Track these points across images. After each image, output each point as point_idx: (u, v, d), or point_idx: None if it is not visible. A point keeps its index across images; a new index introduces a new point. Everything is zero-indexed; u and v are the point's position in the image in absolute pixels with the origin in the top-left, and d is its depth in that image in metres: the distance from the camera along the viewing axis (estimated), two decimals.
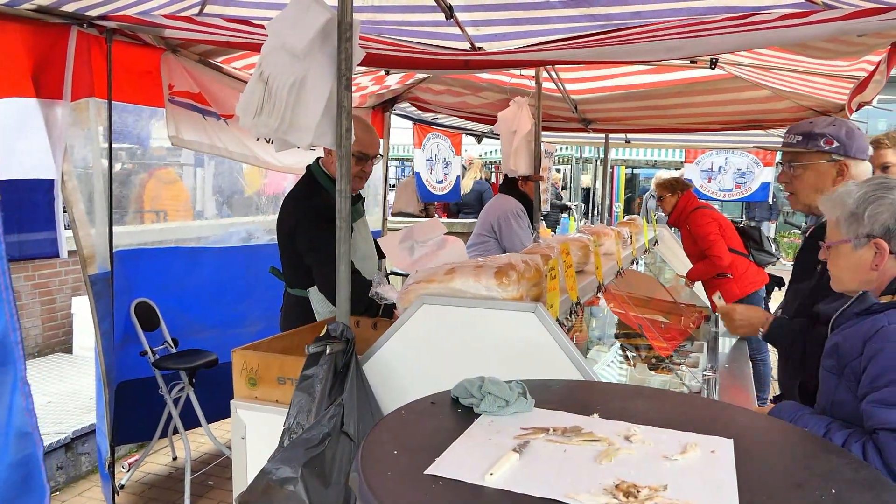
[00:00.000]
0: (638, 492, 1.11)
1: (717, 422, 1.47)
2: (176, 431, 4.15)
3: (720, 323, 4.78)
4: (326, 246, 2.57)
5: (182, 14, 3.38)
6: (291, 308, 3.15)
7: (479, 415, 1.49)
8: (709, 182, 9.26)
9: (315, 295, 3.02)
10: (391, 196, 8.98)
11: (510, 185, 4.86)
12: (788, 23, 2.56)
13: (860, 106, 3.50)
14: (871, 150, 2.51)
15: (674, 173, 5.69)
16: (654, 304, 3.62)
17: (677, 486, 1.15)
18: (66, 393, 5.00)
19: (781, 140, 2.58)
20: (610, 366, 3.55)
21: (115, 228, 3.55)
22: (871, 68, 3.44)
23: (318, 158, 3.14)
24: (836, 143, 2.31)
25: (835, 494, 1.13)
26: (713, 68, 4.13)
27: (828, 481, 1.18)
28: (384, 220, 6.20)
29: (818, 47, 3.06)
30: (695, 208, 5.26)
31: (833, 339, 1.73)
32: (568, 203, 12.25)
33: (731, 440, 1.34)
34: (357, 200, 3.22)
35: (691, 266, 5.36)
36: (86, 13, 3.14)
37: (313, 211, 2.92)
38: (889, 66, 2.95)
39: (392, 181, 17.85)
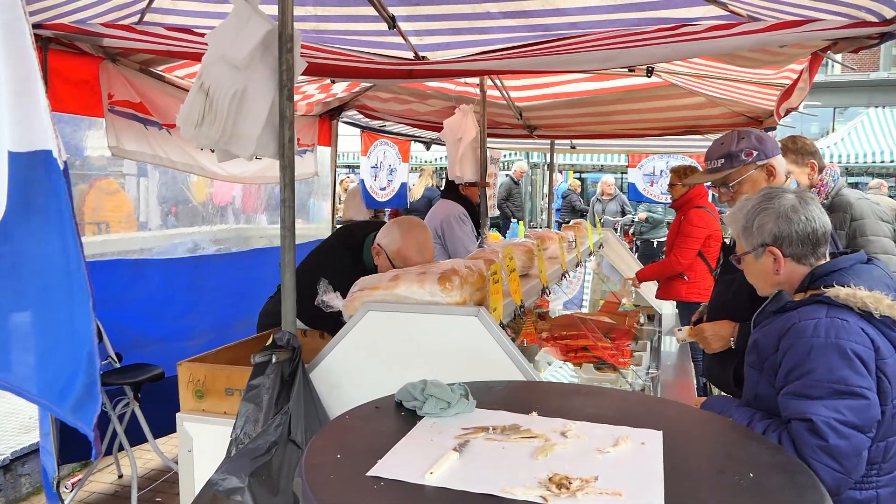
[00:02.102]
0: (570, 483, 1.16)
1: (648, 415, 1.54)
2: (121, 448, 4.06)
3: (664, 322, 4.94)
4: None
5: (121, 23, 3.33)
6: (276, 307, 3.07)
7: (422, 417, 1.53)
8: (651, 186, 9.51)
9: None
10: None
11: (452, 190, 4.87)
12: (715, 34, 2.69)
13: (788, 112, 3.68)
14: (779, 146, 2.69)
15: (690, 167, 5.53)
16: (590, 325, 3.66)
17: (608, 477, 1.21)
18: (4, 413, 4.83)
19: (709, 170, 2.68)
20: (562, 368, 3.63)
21: None
22: (795, 76, 3.62)
23: (374, 238, 2.95)
24: (755, 152, 2.47)
25: (752, 478, 1.21)
26: (650, 76, 4.28)
27: (747, 466, 1.26)
28: (333, 227, 6.19)
29: (745, 57, 3.21)
30: (698, 206, 5.19)
31: (754, 335, 1.84)
32: (586, 208, 12.13)
33: (661, 432, 1.42)
34: None
35: (639, 267, 5.47)
36: None
37: (347, 261, 2.92)
38: (811, 74, 3.12)
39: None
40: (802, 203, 1.82)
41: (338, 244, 3.09)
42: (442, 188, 5.61)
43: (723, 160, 2.52)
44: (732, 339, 2.49)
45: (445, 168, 6.01)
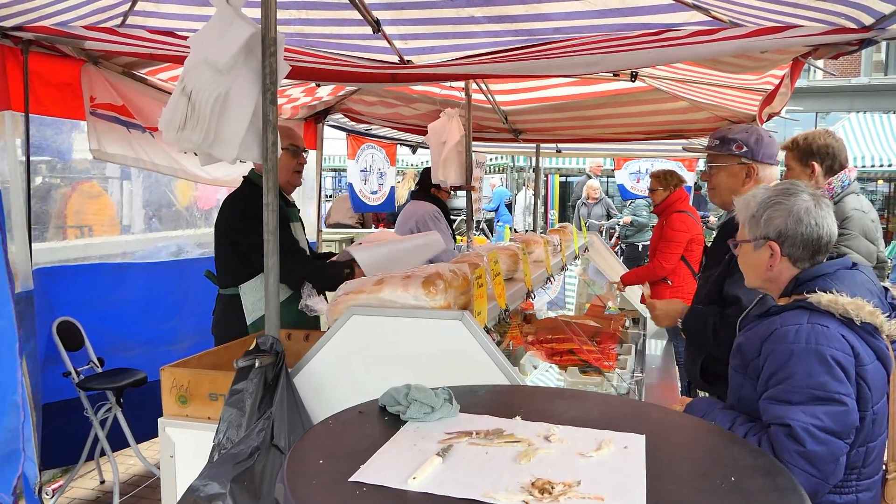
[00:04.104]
0: (553, 488, 1.17)
1: (631, 419, 1.54)
2: (103, 454, 4.02)
3: (648, 325, 4.97)
4: (282, 240, 2.58)
5: (103, 25, 3.31)
6: (223, 310, 3.17)
7: (405, 422, 1.52)
8: (637, 182, 9.58)
9: (246, 292, 3.04)
10: (326, 206, 8.91)
11: (424, 191, 4.81)
12: (698, 39, 2.71)
13: (770, 116, 3.72)
14: (780, 156, 2.69)
15: (674, 168, 5.54)
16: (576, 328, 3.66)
17: (590, 481, 1.21)
18: None
19: (703, 147, 2.77)
20: (548, 371, 3.63)
21: (35, 245, 3.42)
22: (776, 82, 3.65)
23: (252, 169, 3.19)
24: (745, 149, 2.50)
25: (734, 481, 1.22)
26: (634, 81, 4.30)
27: (729, 469, 1.27)
28: (318, 230, 6.17)
29: (727, 62, 3.24)
30: (680, 210, 5.20)
31: (738, 339, 1.85)
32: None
33: (644, 436, 1.42)
34: (290, 204, 3.29)
35: (624, 271, 5.49)
36: (0, 24, 3.04)
37: (255, 211, 2.92)
38: (792, 79, 3.15)
39: (328, 191, 17.75)
40: (816, 206, 1.79)
41: (242, 199, 3.14)
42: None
43: (718, 141, 2.58)
44: (680, 318, 2.56)
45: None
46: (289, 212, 3.17)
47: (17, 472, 1.79)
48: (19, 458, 1.80)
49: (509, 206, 14.67)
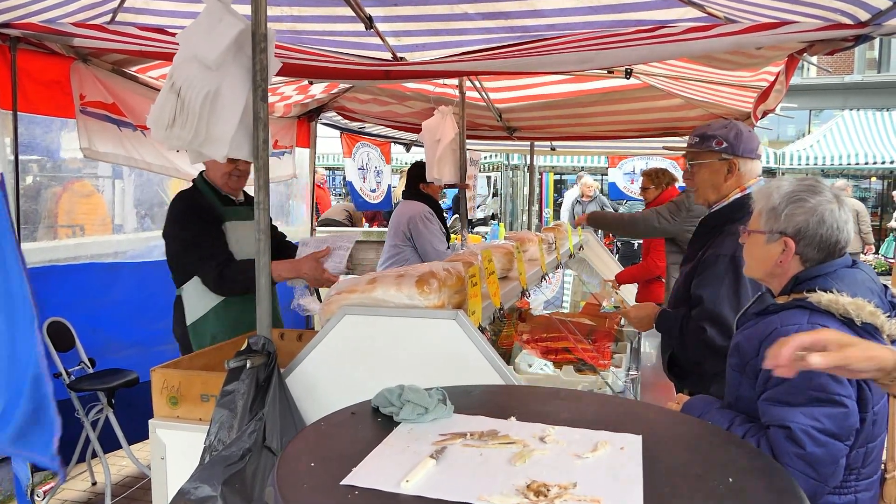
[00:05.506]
0: (548, 490, 1.14)
1: (627, 419, 1.52)
2: (95, 455, 3.98)
3: None
4: (202, 241, 2.67)
5: (92, 22, 3.27)
6: (175, 309, 3.14)
7: (399, 423, 1.50)
8: (631, 184, 9.59)
9: (186, 294, 2.99)
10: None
11: (414, 190, 4.70)
12: (692, 36, 2.69)
13: (765, 113, 3.71)
14: (761, 150, 2.69)
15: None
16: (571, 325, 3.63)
17: (586, 483, 1.19)
18: None
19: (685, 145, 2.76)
20: (542, 370, 3.61)
21: (25, 245, 3.38)
22: (771, 79, 3.65)
23: (201, 171, 3.09)
24: (725, 144, 2.50)
25: (732, 483, 1.20)
26: (628, 78, 4.29)
27: (726, 471, 1.25)
28: (312, 230, 6.14)
29: (722, 59, 3.22)
30: None
31: (736, 338, 1.82)
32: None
33: (640, 436, 1.40)
34: (240, 203, 3.14)
35: (619, 269, 5.48)
36: None
37: (189, 210, 2.92)
38: (787, 76, 3.14)
39: None
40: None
41: (178, 199, 3.07)
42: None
43: (697, 139, 2.58)
44: (654, 322, 2.62)
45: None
46: (225, 211, 3.00)
47: (54, 433, 1.84)
48: (52, 423, 1.84)
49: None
